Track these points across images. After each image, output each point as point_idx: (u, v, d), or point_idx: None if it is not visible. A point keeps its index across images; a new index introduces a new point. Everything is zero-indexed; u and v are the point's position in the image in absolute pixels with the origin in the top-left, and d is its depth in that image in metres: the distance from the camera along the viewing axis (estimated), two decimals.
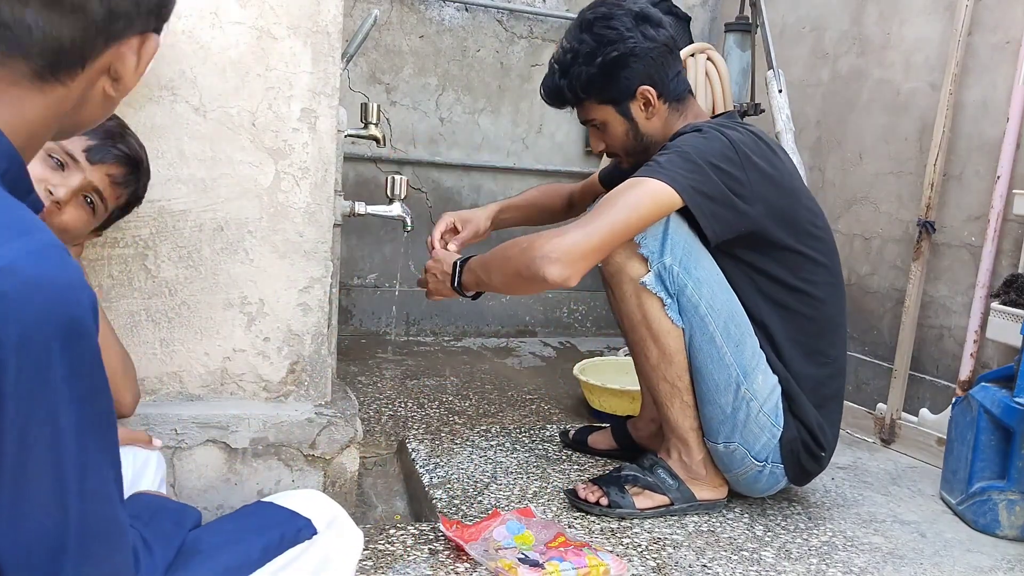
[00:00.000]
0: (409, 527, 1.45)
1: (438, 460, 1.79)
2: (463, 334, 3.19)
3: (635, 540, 1.48)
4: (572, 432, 1.94)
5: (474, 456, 1.82)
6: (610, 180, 1.81)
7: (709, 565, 1.40)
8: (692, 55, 2.57)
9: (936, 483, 1.87)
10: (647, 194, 1.41)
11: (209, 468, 1.41)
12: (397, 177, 1.71)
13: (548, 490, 1.67)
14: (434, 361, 2.78)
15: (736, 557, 1.44)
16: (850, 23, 2.62)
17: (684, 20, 3.00)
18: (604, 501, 1.56)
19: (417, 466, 1.75)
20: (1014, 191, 2.00)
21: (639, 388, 1.85)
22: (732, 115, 1.68)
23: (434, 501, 1.58)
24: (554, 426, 2.10)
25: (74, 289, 0.59)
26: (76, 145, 1.09)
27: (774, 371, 1.54)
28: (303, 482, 1.46)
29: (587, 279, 1.47)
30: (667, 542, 1.48)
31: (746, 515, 1.63)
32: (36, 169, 1.06)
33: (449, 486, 1.65)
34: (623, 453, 1.84)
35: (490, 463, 1.79)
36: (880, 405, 2.24)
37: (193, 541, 0.83)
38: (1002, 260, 2.09)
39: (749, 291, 1.54)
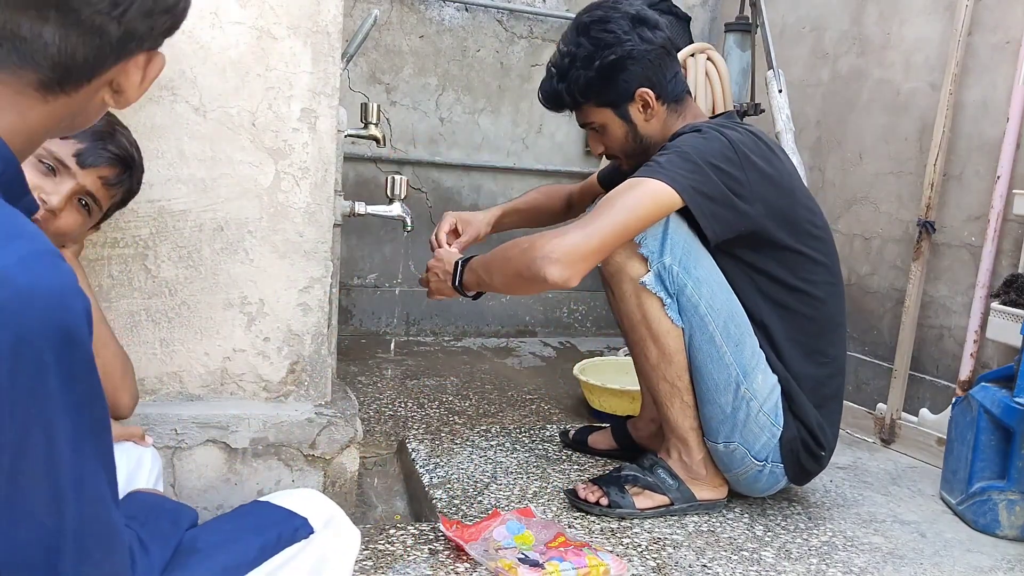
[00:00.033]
0: (409, 527, 1.45)
1: (438, 460, 1.79)
2: (463, 334, 3.19)
3: (635, 540, 1.48)
4: (572, 432, 1.94)
5: (474, 456, 1.82)
6: (609, 181, 1.81)
7: (709, 565, 1.40)
8: (692, 55, 2.57)
9: (936, 483, 1.87)
10: (647, 194, 1.41)
11: (209, 468, 1.41)
12: (397, 177, 1.72)
13: (548, 490, 1.67)
14: (434, 361, 2.78)
15: (736, 557, 1.44)
16: (850, 23, 2.62)
17: (684, 20, 3.00)
18: (604, 501, 1.56)
19: (417, 466, 1.75)
20: (1014, 191, 2.00)
21: (639, 388, 1.85)
22: (731, 115, 1.68)
23: (434, 501, 1.58)
24: (554, 426, 2.10)
25: (67, 296, 0.58)
26: (65, 149, 1.08)
27: (774, 371, 1.54)
28: (303, 482, 1.46)
29: (587, 279, 1.47)
30: (667, 542, 1.48)
31: (746, 515, 1.63)
32: (27, 175, 1.05)
33: (449, 486, 1.65)
34: (623, 453, 1.84)
35: (490, 463, 1.79)
36: (880, 405, 2.24)
37: (190, 540, 0.83)
38: (1002, 260, 2.09)
39: (749, 291, 1.54)
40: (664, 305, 1.50)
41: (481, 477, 1.71)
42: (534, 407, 2.33)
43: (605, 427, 1.93)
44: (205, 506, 1.41)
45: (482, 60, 3.10)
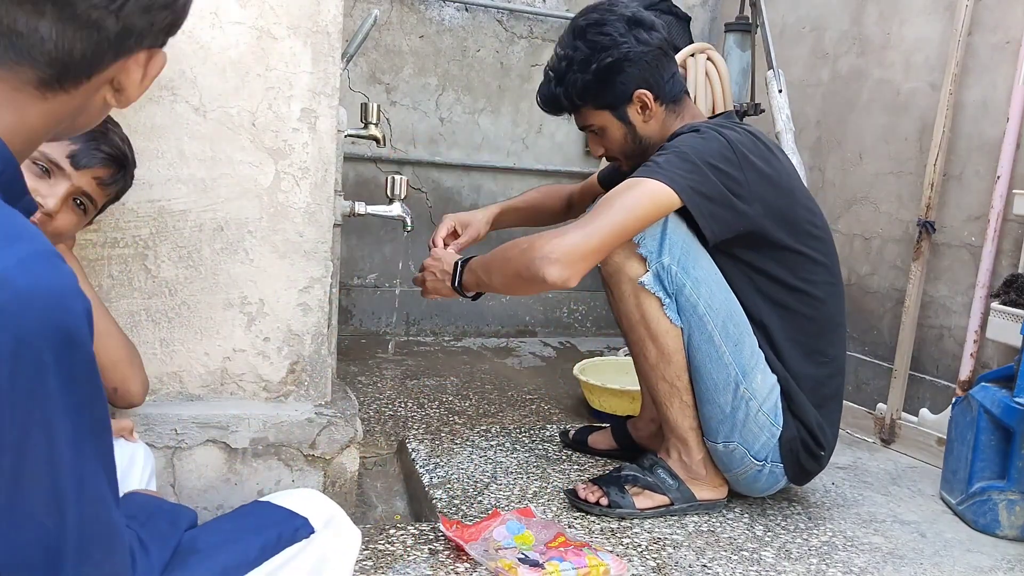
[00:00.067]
0: (409, 527, 1.45)
1: (438, 460, 1.79)
2: (463, 334, 3.20)
3: (635, 540, 1.48)
4: (572, 432, 1.94)
5: (474, 456, 1.82)
6: (610, 181, 1.81)
7: (709, 565, 1.40)
8: (692, 55, 2.57)
9: (936, 483, 1.87)
10: (646, 194, 1.41)
11: (209, 468, 1.41)
12: (397, 177, 1.71)
13: (548, 490, 1.67)
14: (434, 361, 2.78)
15: (736, 557, 1.44)
16: (850, 23, 2.62)
17: (684, 20, 3.00)
18: (604, 501, 1.56)
19: (417, 466, 1.75)
20: (1014, 191, 2.00)
21: (639, 388, 1.85)
22: (730, 115, 1.68)
23: (434, 501, 1.58)
24: (554, 426, 2.10)
25: (67, 297, 0.58)
26: (59, 151, 1.08)
27: (773, 371, 1.54)
28: (303, 482, 1.46)
29: (587, 279, 1.47)
30: (667, 542, 1.48)
31: (746, 515, 1.63)
32: None
33: (449, 486, 1.65)
34: (623, 453, 1.84)
35: (490, 463, 1.79)
36: (880, 405, 2.24)
37: (190, 540, 0.83)
38: (1002, 260, 2.09)
39: (748, 291, 1.54)
40: (663, 305, 1.50)
41: (481, 477, 1.71)
42: (534, 407, 2.33)
43: (605, 427, 1.93)
44: (205, 506, 1.41)
45: (482, 60, 3.10)
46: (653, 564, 1.39)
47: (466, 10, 3.04)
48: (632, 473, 1.61)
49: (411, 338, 3.10)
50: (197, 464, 1.40)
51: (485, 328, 3.24)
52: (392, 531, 1.42)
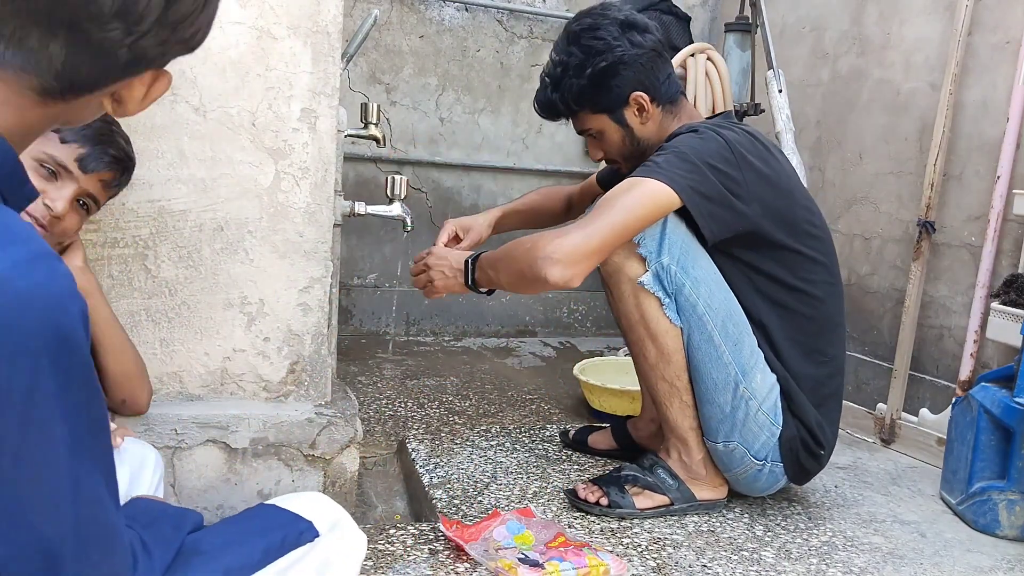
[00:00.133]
0: (409, 527, 1.45)
1: (438, 460, 1.79)
2: (463, 334, 3.20)
3: (635, 540, 1.48)
4: (572, 432, 1.94)
5: (474, 456, 1.82)
6: (608, 181, 1.81)
7: (709, 565, 1.40)
8: (692, 55, 2.57)
9: (936, 483, 1.87)
10: (646, 194, 1.41)
11: (209, 468, 1.41)
12: (397, 177, 1.71)
13: (548, 490, 1.67)
14: (434, 361, 2.78)
15: (736, 557, 1.44)
16: (850, 23, 2.62)
17: (684, 20, 3.00)
18: (604, 501, 1.56)
19: (417, 466, 1.75)
20: (1014, 191, 2.00)
21: (639, 388, 1.85)
22: (729, 115, 1.68)
23: (434, 501, 1.58)
24: (554, 426, 2.10)
25: (64, 299, 0.58)
26: (67, 154, 1.10)
27: (773, 370, 1.54)
28: (303, 482, 1.46)
29: (587, 279, 1.47)
30: (667, 542, 1.48)
31: (746, 515, 1.63)
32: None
33: (449, 486, 1.65)
34: (623, 453, 1.84)
35: (490, 463, 1.79)
36: (880, 405, 2.24)
37: (194, 542, 0.83)
38: (1002, 260, 2.09)
39: (747, 290, 1.54)
40: (662, 305, 1.50)
41: (481, 477, 1.71)
42: (534, 407, 2.33)
43: (605, 427, 1.93)
44: (205, 506, 1.41)
45: (482, 60, 3.10)
46: (653, 564, 1.39)
47: (466, 10, 3.04)
48: (632, 473, 1.61)
49: (411, 338, 3.10)
50: (197, 464, 1.40)
51: (485, 328, 3.24)
52: (392, 531, 1.42)
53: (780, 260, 1.53)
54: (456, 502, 1.57)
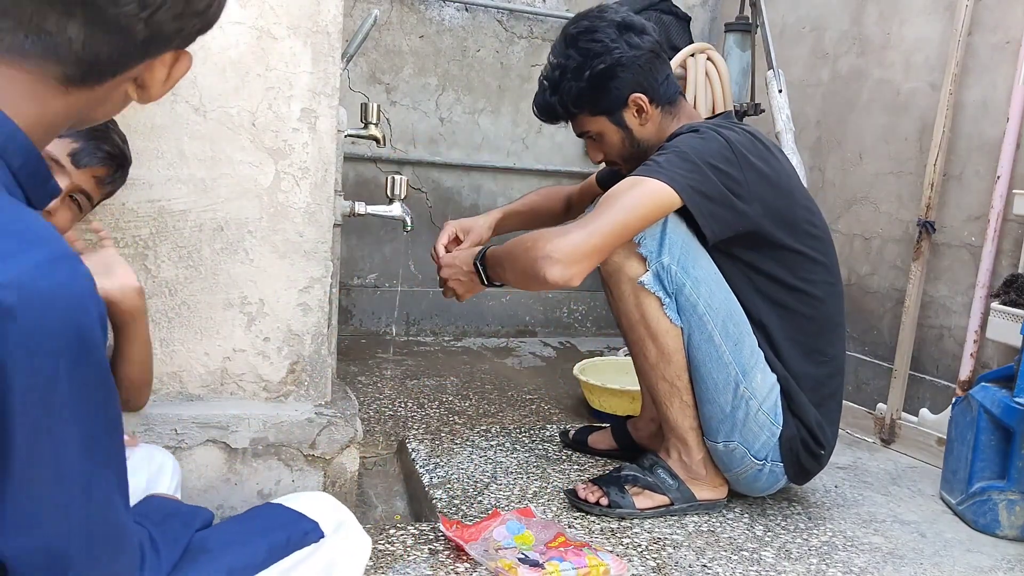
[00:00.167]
0: (409, 527, 1.45)
1: (438, 460, 1.79)
2: (463, 334, 3.19)
3: (635, 540, 1.48)
4: (572, 432, 1.94)
5: (474, 456, 1.82)
6: (608, 182, 1.81)
7: (709, 565, 1.40)
8: (692, 55, 2.57)
9: (936, 483, 1.87)
10: (647, 194, 1.41)
11: (209, 468, 1.41)
12: (397, 177, 1.71)
13: (548, 490, 1.67)
14: (434, 361, 2.78)
15: (736, 557, 1.44)
16: (850, 23, 2.62)
17: (684, 20, 3.00)
18: (604, 501, 1.56)
19: (417, 466, 1.75)
20: (1014, 191, 2.00)
21: (639, 388, 1.85)
22: (729, 115, 1.68)
23: (434, 501, 1.58)
24: (554, 426, 2.10)
25: (85, 300, 0.59)
26: (60, 149, 1.08)
27: (773, 370, 1.54)
28: (303, 482, 1.46)
29: (587, 279, 1.47)
30: (667, 542, 1.48)
31: (746, 515, 1.63)
32: None
33: (449, 486, 1.65)
34: (623, 453, 1.84)
35: (490, 463, 1.79)
36: (880, 405, 2.24)
37: (200, 540, 0.83)
38: (1002, 260, 2.09)
39: (747, 290, 1.54)
40: (662, 304, 1.50)
41: (481, 477, 1.71)
42: (534, 407, 2.33)
43: (605, 427, 1.93)
44: (205, 506, 1.40)
45: (482, 60, 3.10)
46: (653, 564, 1.39)
47: (466, 10, 3.04)
48: (632, 473, 1.61)
49: (411, 338, 3.10)
50: (197, 464, 1.40)
51: (485, 328, 3.24)
52: (392, 531, 1.42)
53: (780, 260, 1.53)
54: (456, 502, 1.57)
